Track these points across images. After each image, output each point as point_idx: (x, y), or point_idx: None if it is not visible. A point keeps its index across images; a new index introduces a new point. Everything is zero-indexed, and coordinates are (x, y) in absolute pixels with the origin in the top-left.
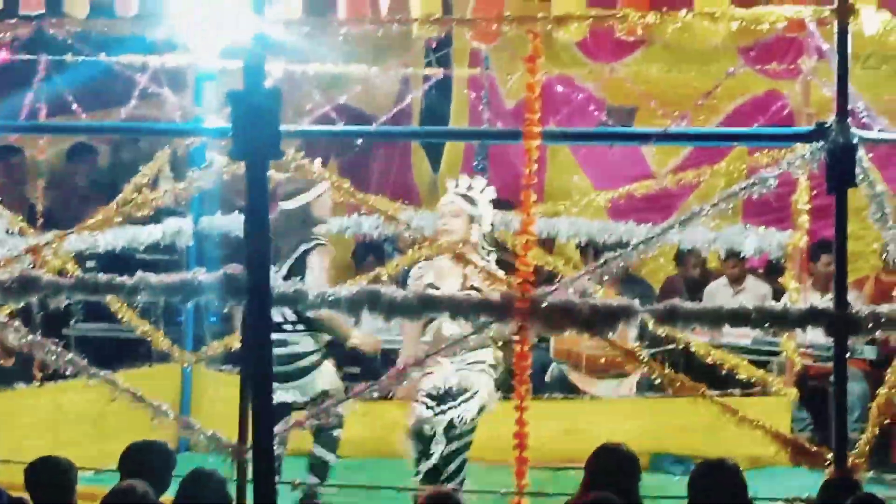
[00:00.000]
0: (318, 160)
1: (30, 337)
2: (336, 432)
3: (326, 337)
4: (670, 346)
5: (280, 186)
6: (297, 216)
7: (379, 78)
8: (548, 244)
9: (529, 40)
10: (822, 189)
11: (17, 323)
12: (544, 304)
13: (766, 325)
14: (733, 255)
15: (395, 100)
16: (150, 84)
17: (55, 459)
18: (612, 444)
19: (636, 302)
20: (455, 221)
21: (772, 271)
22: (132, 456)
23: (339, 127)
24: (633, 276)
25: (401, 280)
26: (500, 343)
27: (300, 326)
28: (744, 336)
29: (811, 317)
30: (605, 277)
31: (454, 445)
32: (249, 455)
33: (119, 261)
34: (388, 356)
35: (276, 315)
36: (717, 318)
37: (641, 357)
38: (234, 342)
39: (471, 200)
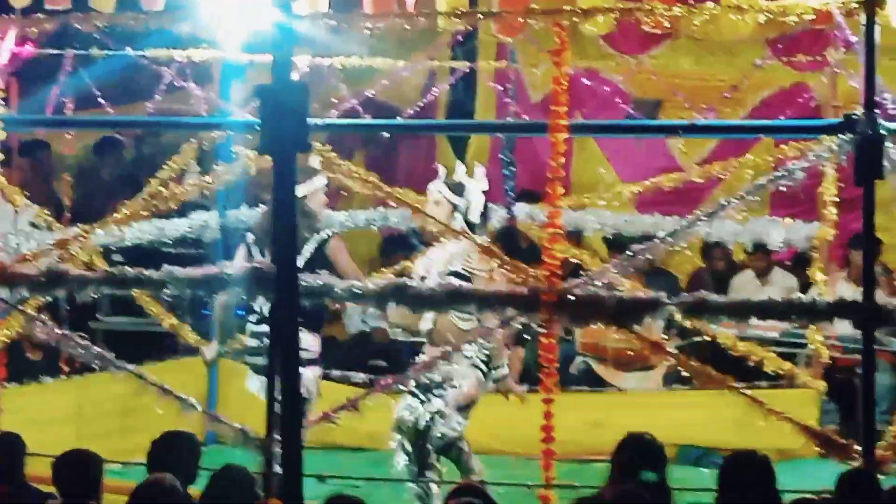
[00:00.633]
0: (316, 158)
1: (57, 330)
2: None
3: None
4: (697, 339)
5: None
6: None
7: (405, 71)
8: (574, 237)
9: (555, 33)
10: (849, 181)
11: (44, 317)
12: (571, 297)
13: (794, 317)
14: (760, 248)
15: (420, 93)
16: (176, 78)
17: (82, 453)
18: (637, 434)
19: (663, 295)
20: (436, 210)
21: (799, 263)
22: (160, 448)
23: (366, 120)
24: (659, 268)
25: None
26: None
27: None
28: (771, 328)
29: (839, 309)
30: (632, 270)
31: (442, 436)
32: (275, 448)
33: (146, 254)
34: (414, 348)
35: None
36: (744, 311)
37: (668, 350)
38: None
39: (458, 189)
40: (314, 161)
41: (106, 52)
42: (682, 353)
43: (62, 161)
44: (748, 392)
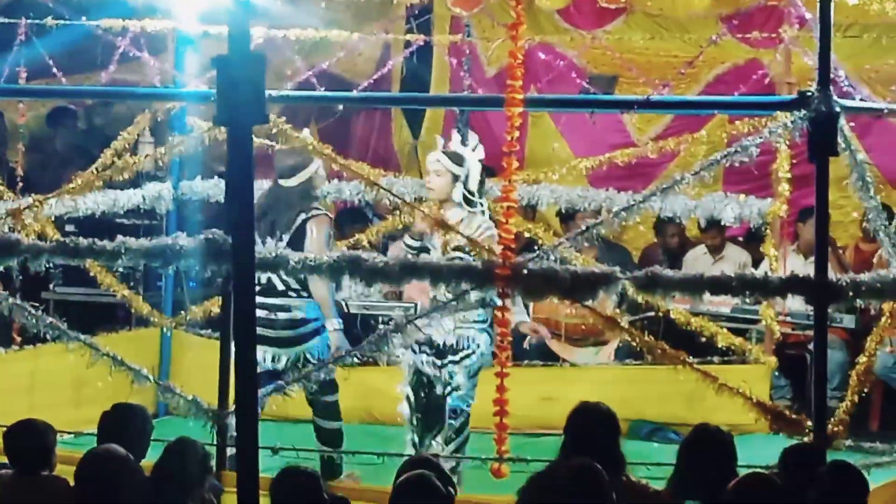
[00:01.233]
0: (307, 130)
1: (9, 300)
2: (330, 398)
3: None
4: (650, 314)
5: (278, 162)
6: (296, 192)
7: (360, 44)
8: (528, 211)
9: (511, 7)
10: (803, 157)
11: None
12: (525, 271)
13: (747, 293)
14: (713, 224)
15: (375, 66)
16: (130, 48)
17: (34, 423)
18: (589, 403)
19: (617, 269)
20: (437, 180)
21: (752, 239)
22: (110, 420)
23: (321, 92)
24: (612, 243)
25: (381, 246)
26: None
27: (304, 294)
28: (723, 304)
29: (791, 285)
30: (585, 245)
31: (456, 403)
32: (229, 419)
33: (99, 225)
34: (368, 321)
35: (280, 283)
36: (697, 286)
37: (621, 324)
38: (214, 307)
39: (457, 158)
40: (306, 133)
41: (60, 21)
42: (635, 327)
43: (15, 130)
44: (700, 367)
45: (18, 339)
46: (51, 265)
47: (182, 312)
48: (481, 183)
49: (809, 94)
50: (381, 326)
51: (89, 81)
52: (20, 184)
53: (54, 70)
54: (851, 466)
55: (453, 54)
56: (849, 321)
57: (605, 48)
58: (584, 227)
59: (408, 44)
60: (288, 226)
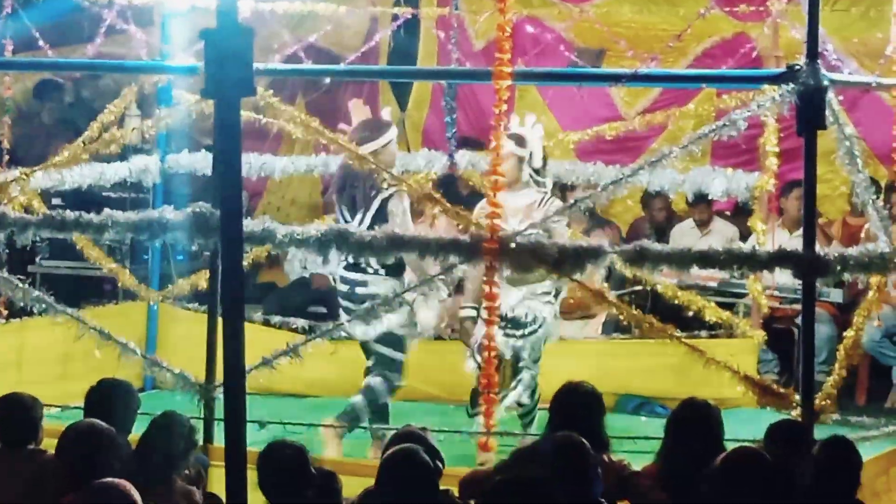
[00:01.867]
0: (388, 109)
1: None
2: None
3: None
4: (637, 288)
5: (353, 133)
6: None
7: (347, 17)
8: None
9: None
10: (790, 131)
11: None
12: (513, 244)
13: (735, 266)
14: (701, 198)
15: (363, 39)
16: (116, 21)
17: (20, 396)
18: (574, 382)
19: (605, 243)
20: (504, 164)
21: (739, 213)
22: (96, 395)
23: (309, 65)
24: (600, 217)
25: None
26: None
27: (382, 272)
28: (710, 278)
29: (779, 259)
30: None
31: (524, 374)
32: (216, 393)
33: (86, 198)
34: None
35: (361, 262)
36: (685, 260)
37: (609, 298)
38: (201, 281)
39: (519, 140)
40: (385, 113)
41: None
42: (623, 301)
43: (1, 103)
44: (687, 341)
45: (5, 312)
46: (37, 238)
47: (169, 286)
48: (544, 159)
49: (797, 67)
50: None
51: (76, 54)
52: (6, 157)
53: (41, 43)
54: (848, 442)
55: (441, 27)
56: (836, 295)
57: (593, 21)
58: (572, 201)
59: (395, 17)
60: (366, 201)
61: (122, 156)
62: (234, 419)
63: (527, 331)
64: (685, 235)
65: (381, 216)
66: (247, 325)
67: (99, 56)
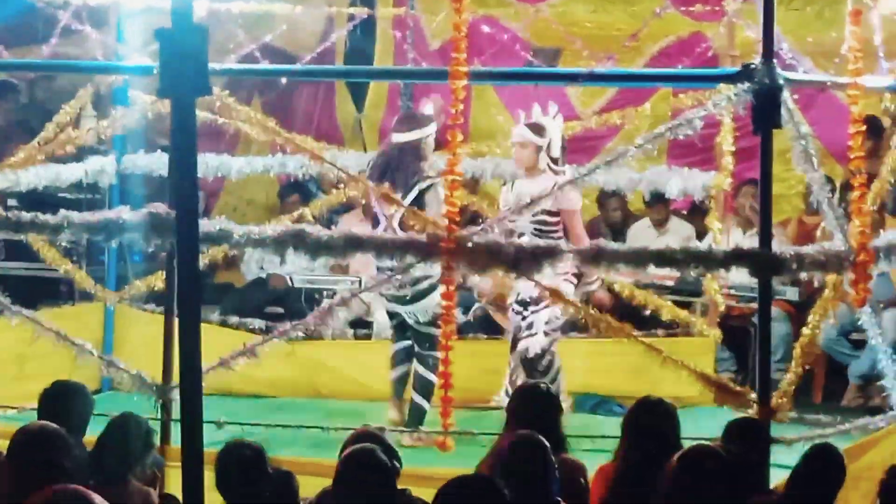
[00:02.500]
0: (430, 105)
1: None
2: (434, 353)
3: None
4: (595, 287)
5: (396, 122)
6: (409, 150)
7: (303, 17)
8: (472, 184)
9: None
10: (746, 130)
11: None
12: (470, 244)
13: (691, 265)
14: (658, 197)
15: (319, 39)
16: (72, 21)
17: None
18: (531, 384)
19: (561, 242)
20: (522, 152)
21: (695, 213)
22: (49, 398)
23: (265, 66)
24: None
25: (324, 220)
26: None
27: None
28: (667, 277)
29: (736, 257)
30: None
31: (535, 349)
32: (173, 394)
33: (41, 199)
34: (312, 295)
35: None
36: (642, 259)
37: (566, 298)
38: (158, 281)
39: (537, 129)
40: (427, 108)
41: None
42: (580, 301)
43: None
44: (645, 340)
45: None
46: None
47: (126, 287)
48: (563, 149)
49: (753, 66)
50: (325, 301)
51: (31, 55)
52: None
53: None
54: (834, 450)
55: (397, 27)
56: (792, 293)
57: (549, 21)
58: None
59: (351, 17)
60: (405, 189)
61: (78, 157)
62: (190, 420)
63: (539, 307)
64: (642, 235)
65: (418, 205)
66: (204, 325)
67: (54, 56)
